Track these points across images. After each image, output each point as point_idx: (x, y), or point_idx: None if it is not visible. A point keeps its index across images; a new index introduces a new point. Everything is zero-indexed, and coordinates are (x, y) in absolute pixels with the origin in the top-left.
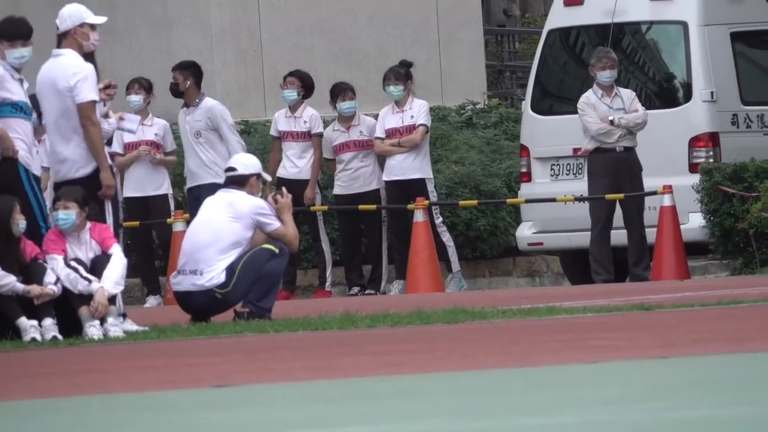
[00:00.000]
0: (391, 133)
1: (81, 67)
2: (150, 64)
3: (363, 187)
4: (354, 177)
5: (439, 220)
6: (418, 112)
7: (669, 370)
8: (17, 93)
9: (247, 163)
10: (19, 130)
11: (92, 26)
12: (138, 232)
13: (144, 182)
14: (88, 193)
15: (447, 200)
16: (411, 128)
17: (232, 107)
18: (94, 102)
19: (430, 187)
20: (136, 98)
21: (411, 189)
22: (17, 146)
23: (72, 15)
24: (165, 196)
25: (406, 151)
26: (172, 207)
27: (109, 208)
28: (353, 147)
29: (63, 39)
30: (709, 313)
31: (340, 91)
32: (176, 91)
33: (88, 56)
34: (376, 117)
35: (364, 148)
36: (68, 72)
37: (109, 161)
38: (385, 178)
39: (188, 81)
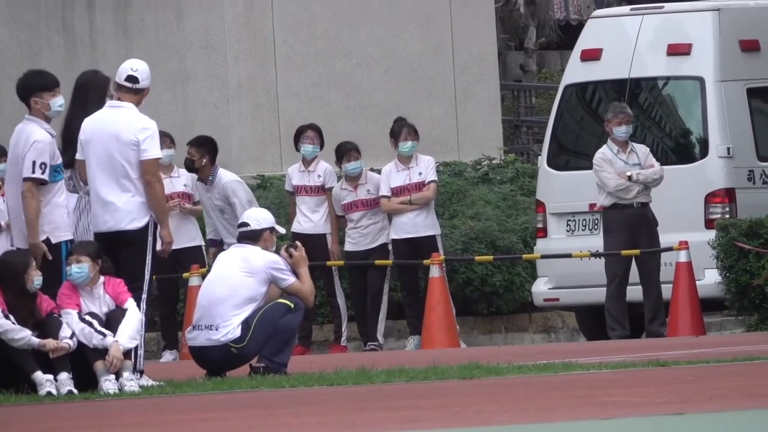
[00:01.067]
0: (398, 191)
1: (149, 124)
2: (167, 118)
3: (371, 244)
4: (364, 234)
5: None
6: (426, 168)
7: (685, 426)
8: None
9: (259, 218)
10: (63, 194)
11: None
12: (164, 286)
13: (177, 234)
14: (134, 246)
15: (463, 255)
16: (420, 185)
17: (248, 161)
18: (159, 159)
19: (440, 242)
20: (168, 153)
21: (422, 246)
22: (62, 219)
23: (149, 75)
24: (199, 247)
25: (416, 209)
26: (207, 258)
27: (149, 261)
28: (361, 206)
29: (127, 92)
30: (724, 369)
31: (345, 152)
32: (191, 166)
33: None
34: None
35: (372, 207)
36: (137, 126)
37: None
38: (394, 236)
39: (204, 159)
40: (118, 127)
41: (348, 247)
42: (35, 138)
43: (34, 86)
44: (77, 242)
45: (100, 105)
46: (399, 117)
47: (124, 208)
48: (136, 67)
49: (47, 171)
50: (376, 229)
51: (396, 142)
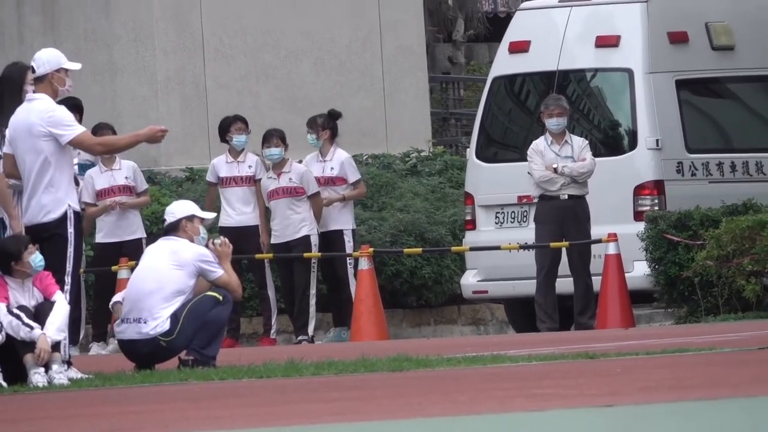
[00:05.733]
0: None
1: (54, 110)
2: (95, 111)
3: (293, 235)
4: (285, 225)
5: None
6: (339, 165)
7: (614, 418)
8: None
9: (174, 210)
10: None
11: (67, 71)
12: (101, 279)
13: (118, 228)
14: (51, 239)
15: (392, 248)
16: (329, 180)
17: (176, 154)
18: (82, 132)
19: (348, 237)
20: None
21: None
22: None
23: (50, 60)
24: (139, 240)
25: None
26: None
27: (71, 253)
28: (282, 194)
29: (38, 83)
30: (654, 361)
31: (267, 137)
32: None
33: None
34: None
35: (293, 195)
36: (43, 117)
37: (74, 206)
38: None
39: None
40: (30, 120)
41: (273, 240)
42: None
43: None
44: (20, 236)
45: (14, 96)
46: (330, 109)
47: (39, 202)
48: (36, 56)
49: None
50: (297, 219)
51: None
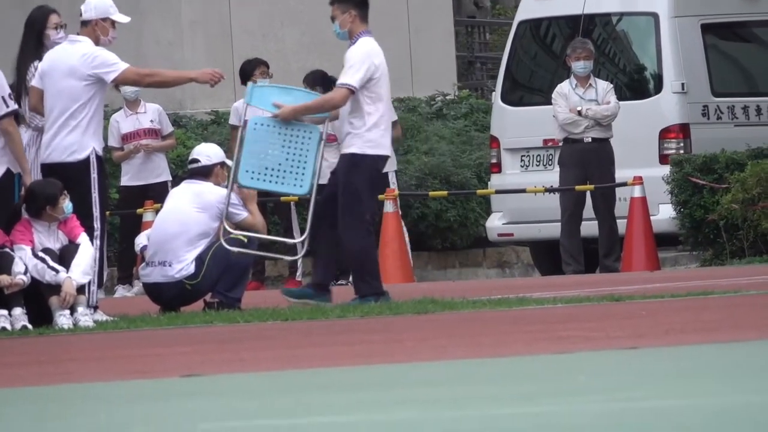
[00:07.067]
0: None
1: (97, 52)
2: (120, 54)
3: (321, 179)
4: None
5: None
6: None
7: (639, 360)
8: None
9: (210, 153)
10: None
11: (113, 23)
12: (126, 222)
13: (143, 171)
14: (77, 179)
15: (417, 191)
16: None
17: (202, 97)
18: (126, 67)
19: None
20: (134, 88)
21: None
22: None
23: (97, 6)
24: (165, 183)
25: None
26: None
27: (95, 198)
28: None
29: (83, 27)
30: (679, 304)
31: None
32: None
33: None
34: None
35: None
36: (87, 60)
37: (98, 151)
38: None
39: None
40: (71, 62)
41: None
42: None
43: None
44: (53, 180)
45: (33, 40)
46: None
47: (62, 142)
48: (87, 0)
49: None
50: (326, 166)
51: None
